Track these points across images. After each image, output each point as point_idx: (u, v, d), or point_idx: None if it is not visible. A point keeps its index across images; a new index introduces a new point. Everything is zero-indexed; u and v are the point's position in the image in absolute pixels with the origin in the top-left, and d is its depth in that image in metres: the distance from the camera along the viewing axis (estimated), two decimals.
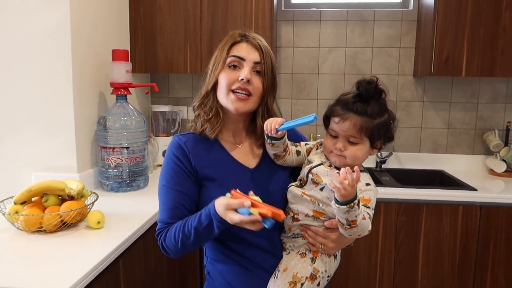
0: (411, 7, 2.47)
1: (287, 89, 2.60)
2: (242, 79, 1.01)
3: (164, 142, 2.45)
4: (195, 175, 1.06)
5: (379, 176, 2.32)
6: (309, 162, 1.08)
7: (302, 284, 1.00)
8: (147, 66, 2.30)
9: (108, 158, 1.81)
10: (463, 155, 2.54)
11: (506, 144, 2.41)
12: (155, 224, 1.57)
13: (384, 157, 2.48)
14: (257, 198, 0.92)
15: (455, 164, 2.53)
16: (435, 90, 2.51)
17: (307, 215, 1.02)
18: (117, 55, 1.87)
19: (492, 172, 2.41)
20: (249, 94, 1.03)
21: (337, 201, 0.88)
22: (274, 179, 1.09)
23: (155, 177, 2.18)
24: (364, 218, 0.91)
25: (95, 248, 1.24)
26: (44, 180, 1.40)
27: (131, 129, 1.85)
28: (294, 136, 1.19)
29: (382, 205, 2.02)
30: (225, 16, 2.21)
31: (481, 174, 2.43)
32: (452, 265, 2.03)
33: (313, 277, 1.01)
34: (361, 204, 0.93)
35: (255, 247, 1.06)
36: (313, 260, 1.03)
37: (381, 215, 2.03)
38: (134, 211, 1.61)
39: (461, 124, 2.53)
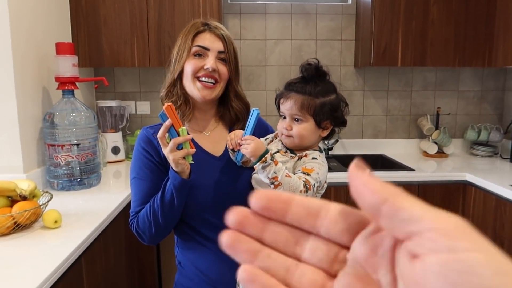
0: (349, 1, 2.62)
1: None
2: (207, 68, 1.04)
3: (112, 138, 2.38)
4: (164, 165, 1.07)
5: (327, 162, 2.44)
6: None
7: None
8: (91, 59, 2.21)
9: (57, 156, 1.74)
10: (400, 140, 2.76)
11: (437, 128, 2.65)
12: (113, 220, 1.56)
13: (331, 145, 2.62)
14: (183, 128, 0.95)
15: (393, 148, 2.74)
16: (374, 80, 2.69)
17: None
18: (61, 49, 1.79)
19: (425, 153, 2.64)
20: (215, 82, 1.06)
21: (253, 163, 0.94)
22: (240, 166, 1.11)
23: (106, 174, 2.12)
24: (288, 176, 0.92)
25: (55, 248, 1.20)
26: None
27: (81, 125, 1.78)
28: (264, 130, 1.21)
29: (332, 189, 2.14)
30: (172, 8, 2.19)
31: (416, 156, 2.66)
32: None
33: None
34: (300, 173, 0.97)
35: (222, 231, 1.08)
36: None
37: (332, 198, 2.15)
38: (90, 208, 1.57)
39: (398, 111, 2.74)
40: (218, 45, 1.06)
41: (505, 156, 2.54)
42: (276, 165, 0.92)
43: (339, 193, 2.14)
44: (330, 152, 2.65)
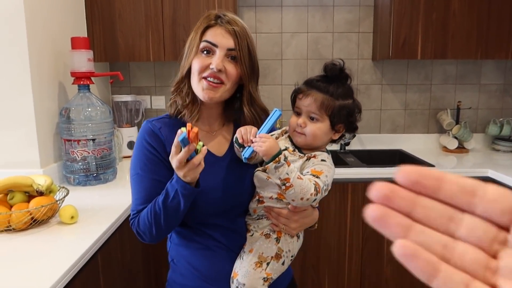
0: None
1: None
2: (212, 68, 0.97)
3: (128, 133, 2.38)
4: (169, 161, 1.01)
5: (344, 157, 2.40)
6: None
7: (268, 264, 1.02)
8: (107, 54, 2.20)
9: (73, 151, 1.74)
10: (419, 134, 2.69)
11: (457, 122, 2.58)
12: (129, 216, 1.54)
13: (348, 139, 2.57)
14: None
15: (412, 143, 2.68)
16: (392, 73, 2.63)
17: (271, 198, 1.03)
18: (77, 43, 1.78)
19: (445, 149, 2.58)
20: (221, 82, 1.00)
21: (266, 162, 0.91)
22: (242, 166, 1.07)
23: (122, 169, 2.12)
24: (300, 178, 0.91)
25: (72, 243, 1.20)
26: (9, 177, 1.32)
27: (97, 120, 1.78)
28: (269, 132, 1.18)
29: (349, 184, 2.10)
30: (187, 1, 2.17)
31: (435, 151, 2.59)
32: None
33: (278, 256, 1.03)
34: (310, 175, 0.96)
35: (222, 228, 1.05)
36: (277, 240, 1.04)
37: (349, 194, 2.11)
38: (106, 204, 1.56)
39: (417, 105, 2.67)
40: (228, 42, 0.99)
41: None
42: (289, 166, 0.90)
43: (356, 189, 2.10)
44: (347, 147, 2.60)
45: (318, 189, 0.93)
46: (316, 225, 1.13)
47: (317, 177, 0.95)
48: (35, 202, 1.28)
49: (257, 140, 0.92)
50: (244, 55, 1.00)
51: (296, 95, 1.04)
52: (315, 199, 0.93)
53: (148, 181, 1.01)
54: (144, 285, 1.82)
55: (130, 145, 2.38)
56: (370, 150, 2.63)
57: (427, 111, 2.67)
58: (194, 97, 1.05)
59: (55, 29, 1.83)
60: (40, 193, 1.33)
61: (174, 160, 0.89)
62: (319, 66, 2.60)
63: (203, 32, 1.00)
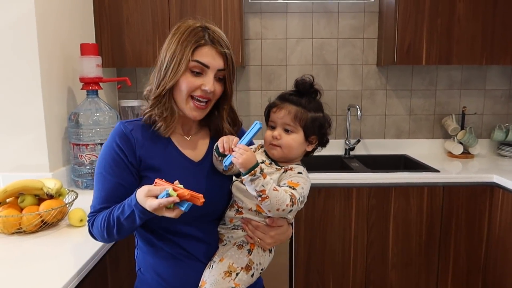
0: None
1: (257, 81, 2.63)
2: (205, 90, 0.99)
3: None
4: (137, 167, 1.02)
5: (348, 162, 2.41)
6: None
7: (237, 274, 1.01)
8: (114, 60, 2.24)
9: (81, 155, 1.76)
10: (424, 140, 2.70)
11: (462, 127, 2.58)
12: None
13: (353, 145, 2.58)
14: (180, 186, 0.90)
15: (417, 148, 2.68)
16: (396, 79, 2.64)
17: (250, 209, 1.03)
18: (86, 49, 1.81)
19: (450, 154, 2.58)
20: (207, 101, 1.03)
21: (242, 174, 0.93)
22: (218, 173, 1.08)
23: None
24: (276, 189, 0.93)
25: (81, 246, 1.22)
26: (20, 180, 1.35)
27: (104, 125, 1.81)
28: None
29: (354, 189, 2.11)
30: (194, 8, 2.20)
31: (440, 156, 2.60)
32: (419, 242, 2.16)
33: (248, 267, 1.03)
34: (286, 186, 0.98)
35: (191, 238, 1.04)
36: (250, 252, 1.05)
37: (354, 199, 2.12)
38: None
39: (421, 110, 2.68)
40: (219, 63, 1.01)
41: None
42: (264, 178, 0.93)
43: (361, 194, 2.11)
44: (351, 152, 2.61)
45: (294, 200, 0.95)
46: (289, 240, 1.14)
47: (293, 188, 0.98)
48: (45, 205, 1.30)
49: (235, 149, 0.94)
50: (231, 75, 1.05)
51: (270, 109, 1.08)
52: (291, 210, 0.95)
53: (110, 183, 1.01)
54: None
55: None
56: (374, 155, 2.64)
57: (432, 116, 2.68)
58: (172, 111, 1.04)
59: (65, 35, 1.87)
60: (50, 196, 1.35)
61: (156, 202, 0.87)
62: (324, 72, 2.64)
63: (193, 51, 0.98)
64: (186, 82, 0.99)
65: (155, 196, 0.88)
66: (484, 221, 2.14)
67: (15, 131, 1.67)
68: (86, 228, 1.33)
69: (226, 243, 1.07)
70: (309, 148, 1.09)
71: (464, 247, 2.17)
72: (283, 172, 1.03)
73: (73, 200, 1.41)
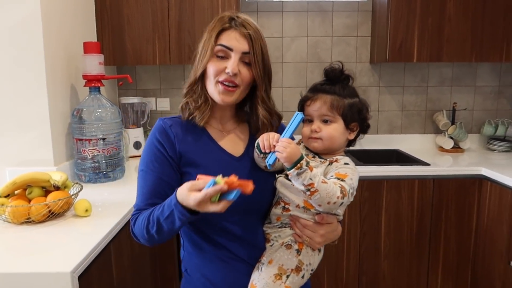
0: None
1: None
2: (228, 72, 0.98)
3: (134, 134, 2.47)
4: (177, 162, 1.02)
5: None
6: None
7: (287, 276, 0.98)
8: (115, 58, 2.30)
9: (84, 150, 1.83)
10: (416, 135, 2.78)
11: (453, 123, 2.66)
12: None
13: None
14: (224, 179, 0.85)
15: (409, 143, 2.76)
16: (389, 76, 2.71)
17: (298, 206, 1.00)
18: (89, 48, 1.88)
19: (441, 148, 2.66)
20: (235, 86, 1.01)
21: (288, 169, 0.90)
22: (260, 168, 1.06)
23: (129, 168, 2.22)
24: (324, 182, 0.89)
25: (87, 234, 1.29)
26: (28, 173, 1.42)
27: (107, 121, 1.87)
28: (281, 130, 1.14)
29: None
30: (193, 8, 2.27)
31: (432, 151, 2.68)
32: (410, 233, 2.24)
33: (298, 269, 1.00)
34: (334, 178, 0.94)
35: (236, 238, 1.03)
36: (298, 252, 1.01)
37: None
38: (116, 200, 1.65)
39: (413, 106, 2.75)
40: (243, 45, 0.99)
41: None
42: (311, 171, 0.89)
43: None
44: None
45: (344, 192, 0.91)
46: (337, 240, 1.09)
47: (342, 180, 0.93)
48: (52, 196, 1.37)
49: (279, 144, 0.91)
50: (258, 58, 1.01)
51: (303, 103, 1.05)
52: (342, 203, 0.91)
53: (152, 179, 1.01)
54: (150, 276, 1.91)
55: (136, 145, 2.48)
56: (368, 150, 2.71)
57: (424, 112, 2.76)
58: (206, 98, 1.05)
59: (68, 34, 1.93)
60: (57, 188, 1.42)
61: (201, 194, 0.84)
62: (318, 69, 2.73)
63: (217, 35, 1.00)
64: (212, 66, 1.00)
65: (199, 189, 0.85)
66: (473, 213, 2.23)
67: (21, 127, 1.74)
68: (91, 218, 1.42)
69: (273, 243, 1.04)
70: (351, 136, 1.05)
71: (454, 237, 2.25)
72: (328, 164, 0.99)
73: (78, 192, 1.48)
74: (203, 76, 1.04)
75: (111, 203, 1.61)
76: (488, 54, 2.39)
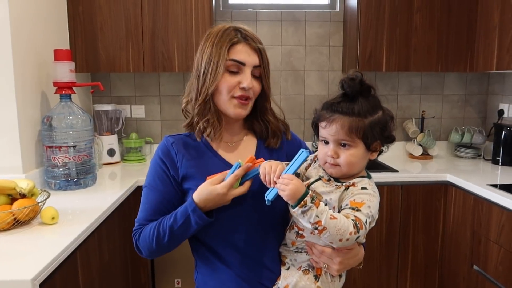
0: (337, 9, 2.72)
1: None
2: (243, 87, 0.99)
3: (108, 141, 2.47)
4: (179, 181, 1.04)
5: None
6: (307, 178, 1.00)
7: None
8: (88, 65, 2.30)
9: (54, 157, 1.82)
10: None
11: (421, 130, 2.75)
12: (108, 217, 1.64)
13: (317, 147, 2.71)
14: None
15: None
16: (368, 81, 2.78)
17: (312, 232, 0.89)
18: (60, 55, 1.88)
19: (411, 155, 2.74)
20: (247, 98, 1.02)
21: (291, 207, 0.84)
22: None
23: (102, 175, 2.21)
24: (333, 218, 0.81)
25: (52, 241, 1.28)
26: None
27: (77, 128, 1.87)
28: (297, 146, 1.11)
29: None
30: (166, 15, 2.29)
31: (402, 158, 2.75)
32: (380, 238, 2.30)
33: None
34: (349, 208, 0.86)
35: (251, 259, 1.01)
36: (316, 278, 0.94)
37: None
38: (86, 207, 1.65)
39: None
40: (254, 60, 1.00)
41: (488, 157, 2.64)
42: (317, 207, 0.81)
43: None
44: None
45: (359, 225, 0.83)
46: (362, 264, 1.02)
47: (357, 210, 0.85)
48: (18, 204, 1.36)
49: (280, 181, 0.85)
50: (267, 71, 1.03)
51: (317, 122, 0.95)
52: (358, 237, 0.83)
53: (154, 197, 1.03)
54: (122, 285, 1.91)
55: (110, 152, 2.48)
56: None
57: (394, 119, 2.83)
58: (219, 115, 1.05)
59: (39, 41, 1.93)
60: (23, 196, 1.42)
61: (231, 177, 0.93)
62: (292, 78, 2.75)
63: (228, 50, 0.99)
64: (225, 83, 0.99)
65: (220, 182, 0.93)
66: (440, 218, 2.30)
67: None
68: (58, 226, 1.41)
69: (289, 267, 1.00)
70: (373, 156, 0.95)
71: (422, 242, 2.32)
72: (344, 189, 0.90)
73: (46, 199, 1.47)
74: (213, 92, 1.03)
75: (81, 211, 1.60)
76: (453, 64, 2.48)
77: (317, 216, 0.81)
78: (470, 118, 2.87)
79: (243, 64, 0.99)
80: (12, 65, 1.69)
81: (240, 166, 0.92)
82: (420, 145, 2.71)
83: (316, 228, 0.82)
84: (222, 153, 1.08)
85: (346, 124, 0.88)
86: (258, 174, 0.91)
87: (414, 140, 2.74)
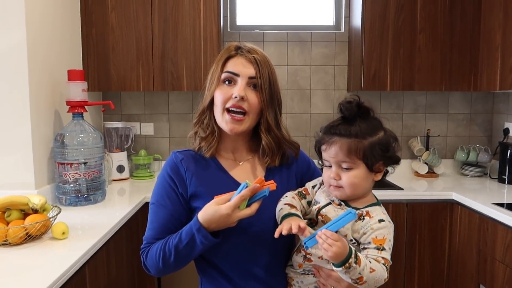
0: (342, 29, 2.78)
1: None
2: (235, 97, 0.97)
3: (118, 158, 2.53)
4: (187, 198, 1.03)
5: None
6: (316, 202, 1.00)
7: None
8: (100, 84, 2.38)
9: (66, 174, 1.88)
10: None
11: (427, 148, 2.77)
12: (116, 234, 1.68)
13: (322, 166, 2.73)
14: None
15: None
16: (366, 103, 2.82)
17: (320, 257, 0.92)
18: (73, 75, 1.96)
19: (417, 173, 2.75)
20: (244, 113, 0.99)
21: (335, 265, 0.83)
22: (277, 202, 1.02)
23: (111, 191, 2.26)
24: (373, 271, 0.82)
25: (63, 256, 1.32)
26: (7, 196, 1.46)
27: (88, 145, 1.93)
28: (307, 166, 1.14)
29: None
30: (175, 37, 2.37)
31: (408, 176, 2.76)
32: None
33: None
34: (374, 249, 0.87)
35: (257, 279, 1.01)
36: None
37: None
38: (95, 222, 1.69)
39: None
40: (249, 70, 0.99)
41: (494, 176, 2.64)
42: (360, 265, 0.82)
43: None
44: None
45: (388, 266, 0.85)
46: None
47: (382, 249, 0.86)
48: (30, 219, 1.41)
49: (323, 238, 0.82)
50: (264, 82, 1.00)
51: (319, 146, 0.97)
52: (387, 277, 0.86)
53: (162, 214, 1.02)
54: None
55: (120, 169, 2.53)
56: None
57: (399, 138, 2.84)
58: (212, 129, 1.05)
59: (53, 61, 2.01)
60: (35, 211, 1.46)
61: (236, 198, 0.89)
62: (298, 96, 2.80)
63: (224, 63, 1.01)
64: (219, 93, 1.00)
65: (226, 201, 0.89)
66: (446, 236, 2.30)
67: (4, 151, 1.78)
68: (68, 240, 1.46)
69: None
70: (377, 177, 0.95)
71: (428, 260, 2.31)
72: (359, 219, 0.90)
73: (57, 215, 1.52)
74: (212, 105, 1.04)
75: (91, 226, 1.65)
76: (457, 84, 2.51)
77: (359, 273, 0.82)
78: (476, 136, 2.88)
79: (237, 75, 0.99)
80: (28, 85, 1.76)
81: (247, 187, 0.88)
82: (426, 163, 2.73)
83: (357, 283, 0.83)
84: (231, 171, 1.07)
85: (344, 146, 0.90)
86: (266, 196, 0.88)
87: (419, 158, 2.76)
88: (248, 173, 1.07)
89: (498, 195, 2.25)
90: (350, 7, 2.71)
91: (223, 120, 1.00)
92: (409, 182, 2.58)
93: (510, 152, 2.48)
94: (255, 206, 0.90)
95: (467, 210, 2.15)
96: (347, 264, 0.80)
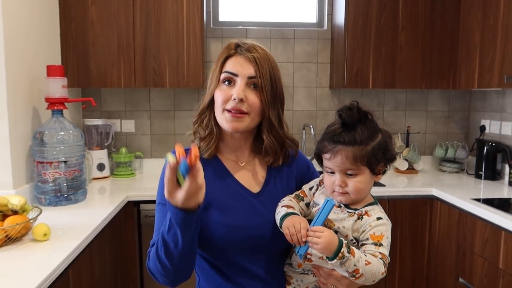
0: (325, 27, 2.80)
1: None
2: (234, 99, 0.95)
3: (98, 155, 2.47)
4: None
5: None
6: (316, 203, 1.00)
7: None
8: (80, 80, 2.32)
9: (45, 173, 1.82)
10: None
11: (407, 145, 2.82)
12: (98, 234, 1.64)
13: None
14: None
15: None
16: (348, 100, 2.85)
17: (321, 258, 0.92)
18: (52, 71, 1.89)
19: (397, 170, 2.80)
20: (244, 113, 0.97)
21: (329, 259, 0.84)
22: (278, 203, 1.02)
23: (92, 190, 2.21)
24: (368, 263, 0.84)
25: (44, 259, 1.28)
26: None
27: (69, 143, 1.88)
28: (306, 167, 1.12)
29: None
30: (158, 32, 2.33)
31: (388, 172, 2.81)
32: None
33: None
34: (371, 244, 0.88)
35: (255, 278, 1.00)
36: None
37: None
38: (77, 223, 1.65)
39: None
40: (248, 70, 0.96)
41: (471, 172, 2.72)
42: (354, 256, 0.82)
43: None
44: None
45: (385, 261, 0.87)
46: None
47: (380, 244, 0.88)
48: (9, 221, 1.36)
49: (310, 235, 0.84)
50: (265, 82, 0.97)
51: (321, 154, 0.96)
52: (385, 271, 0.87)
53: (165, 212, 0.95)
54: None
55: (100, 167, 2.47)
56: None
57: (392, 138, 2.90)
58: (211, 129, 1.02)
59: (31, 57, 1.94)
60: (15, 212, 1.42)
61: (165, 184, 0.82)
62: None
63: (223, 63, 0.99)
64: (219, 94, 0.98)
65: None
66: (426, 231, 2.35)
67: None
68: (49, 242, 1.41)
69: (295, 287, 1.00)
70: (379, 179, 0.98)
71: (409, 255, 2.36)
72: (358, 218, 0.92)
73: (37, 216, 1.47)
74: (212, 105, 1.02)
75: (72, 226, 1.60)
76: (437, 82, 2.57)
77: (355, 265, 0.83)
78: (453, 133, 2.96)
79: (235, 75, 0.97)
80: (4, 80, 1.69)
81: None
82: (406, 159, 2.78)
83: (354, 276, 0.84)
84: (233, 171, 1.05)
85: (350, 154, 0.90)
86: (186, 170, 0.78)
87: (400, 155, 2.81)
88: (251, 176, 1.05)
89: (475, 191, 2.32)
90: (333, 4, 2.73)
91: (223, 119, 0.98)
92: (390, 178, 2.62)
93: (486, 149, 2.56)
94: (186, 183, 0.80)
95: (446, 206, 2.21)
96: (340, 254, 0.82)
